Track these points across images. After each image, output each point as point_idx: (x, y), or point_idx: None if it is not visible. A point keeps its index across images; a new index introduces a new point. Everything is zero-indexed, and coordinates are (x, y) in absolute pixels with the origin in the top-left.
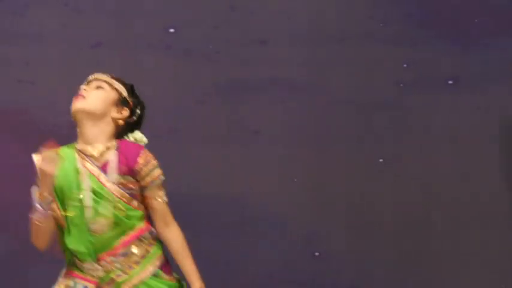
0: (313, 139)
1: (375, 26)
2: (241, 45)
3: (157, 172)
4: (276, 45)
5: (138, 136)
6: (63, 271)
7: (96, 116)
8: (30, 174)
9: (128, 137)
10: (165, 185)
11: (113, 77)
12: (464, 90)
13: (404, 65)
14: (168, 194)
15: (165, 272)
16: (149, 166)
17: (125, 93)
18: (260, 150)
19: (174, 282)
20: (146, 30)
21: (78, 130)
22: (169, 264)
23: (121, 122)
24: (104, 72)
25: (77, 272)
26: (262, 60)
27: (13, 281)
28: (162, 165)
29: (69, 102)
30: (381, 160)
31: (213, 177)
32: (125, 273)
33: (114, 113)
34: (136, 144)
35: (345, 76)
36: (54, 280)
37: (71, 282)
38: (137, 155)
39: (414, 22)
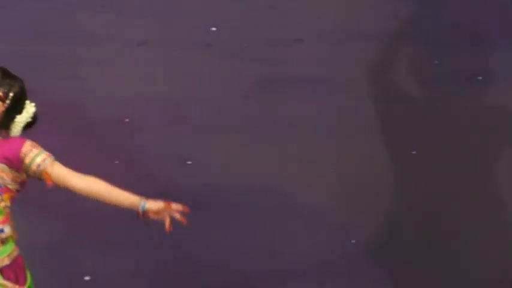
0: (347, 132)
1: (404, 24)
2: (278, 43)
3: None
4: (311, 43)
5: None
6: None
7: None
8: (81, 168)
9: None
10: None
11: None
12: (493, 85)
13: (436, 61)
14: (212, 186)
15: (3, 275)
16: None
17: None
18: (297, 143)
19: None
20: (189, 28)
21: None
22: (10, 271)
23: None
24: None
25: None
26: (298, 58)
27: (67, 269)
28: (204, 159)
29: (117, 99)
30: (414, 152)
31: (256, 169)
32: None
33: None
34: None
35: (376, 72)
36: (106, 266)
37: None
38: (20, 145)
39: (441, 20)
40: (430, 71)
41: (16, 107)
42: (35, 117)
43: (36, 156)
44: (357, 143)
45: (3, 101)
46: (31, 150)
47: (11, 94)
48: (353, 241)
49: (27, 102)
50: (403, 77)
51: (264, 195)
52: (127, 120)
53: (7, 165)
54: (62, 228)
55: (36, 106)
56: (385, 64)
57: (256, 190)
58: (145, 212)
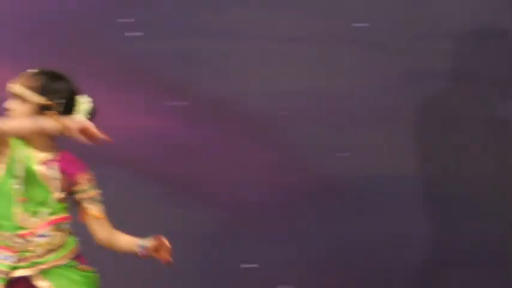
0: (492, 126)
1: None
2: (428, 38)
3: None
4: (460, 39)
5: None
6: None
7: None
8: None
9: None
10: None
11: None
12: None
13: None
14: (370, 177)
15: (80, 262)
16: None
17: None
18: (452, 136)
19: (88, 271)
20: (337, 24)
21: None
22: (83, 257)
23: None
24: None
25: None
26: (447, 53)
27: (229, 257)
28: (361, 151)
29: (263, 94)
30: None
31: (411, 160)
32: (39, 256)
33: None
34: None
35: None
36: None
37: None
38: (80, 171)
39: None
40: None
41: (67, 111)
42: (92, 114)
43: (89, 190)
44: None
45: (55, 109)
46: (86, 182)
47: (61, 100)
48: None
49: (80, 100)
50: None
51: (420, 185)
52: (283, 113)
53: (62, 179)
54: (223, 217)
55: (93, 102)
56: None
57: (414, 180)
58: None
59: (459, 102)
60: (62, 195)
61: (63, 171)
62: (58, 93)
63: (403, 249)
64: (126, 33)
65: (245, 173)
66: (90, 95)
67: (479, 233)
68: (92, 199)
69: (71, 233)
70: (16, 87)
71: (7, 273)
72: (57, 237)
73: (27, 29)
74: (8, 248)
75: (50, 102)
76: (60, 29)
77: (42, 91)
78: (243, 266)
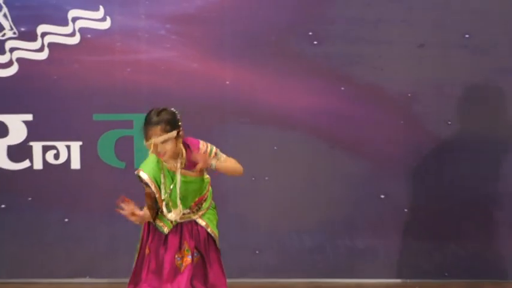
0: None
1: None
2: None
3: (213, 149)
4: None
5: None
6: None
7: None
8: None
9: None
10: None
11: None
12: None
13: None
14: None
15: (211, 205)
16: (208, 149)
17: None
18: None
19: (214, 209)
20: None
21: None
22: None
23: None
24: None
25: (158, 221)
26: None
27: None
28: None
29: (395, 82)
30: None
31: None
32: (199, 211)
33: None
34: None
35: None
36: None
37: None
38: (198, 145)
39: None
40: None
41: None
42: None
43: (211, 150)
44: None
45: (181, 130)
46: (206, 146)
47: (179, 123)
48: None
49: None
50: None
51: None
52: (409, 95)
53: (194, 166)
54: (369, 163)
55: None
56: None
57: None
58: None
59: None
60: (198, 173)
61: (189, 163)
62: (175, 120)
63: None
64: (314, 42)
65: (386, 135)
66: (287, 84)
67: None
68: (216, 157)
69: (210, 193)
70: (158, 140)
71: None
72: (207, 202)
73: (246, 37)
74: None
75: (179, 129)
76: (268, 39)
77: (171, 127)
78: (381, 196)
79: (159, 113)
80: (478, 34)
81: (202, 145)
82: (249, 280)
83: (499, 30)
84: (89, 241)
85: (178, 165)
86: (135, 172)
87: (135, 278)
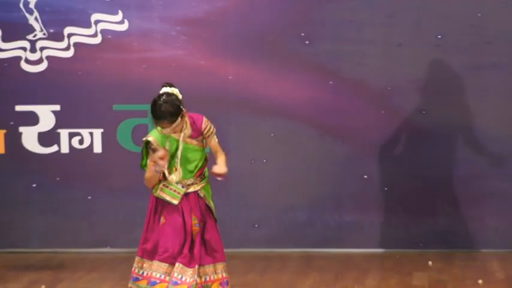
0: None
1: None
2: None
3: (212, 127)
4: None
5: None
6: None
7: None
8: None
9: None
10: (215, 133)
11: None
12: None
13: None
14: None
15: (207, 181)
16: (208, 126)
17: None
18: None
19: (208, 184)
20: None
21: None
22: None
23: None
24: None
25: (167, 196)
26: None
27: None
28: None
29: (381, 76)
30: None
31: None
32: (199, 183)
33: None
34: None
35: None
36: None
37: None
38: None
39: None
40: None
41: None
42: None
43: (210, 127)
44: None
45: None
46: (207, 124)
47: (182, 103)
48: None
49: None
50: None
51: None
52: (389, 88)
53: (197, 137)
54: (351, 143)
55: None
56: None
57: None
58: None
59: None
60: (200, 143)
61: (194, 132)
62: (178, 108)
63: None
64: (306, 42)
65: (368, 123)
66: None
67: None
68: (212, 136)
69: (207, 169)
70: (169, 129)
71: (180, 192)
72: (204, 175)
73: (246, 37)
74: (182, 183)
75: (183, 110)
76: (265, 40)
77: (176, 116)
78: (364, 176)
79: (163, 108)
80: (448, 35)
81: (204, 123)
82: (249, 250)
83: (466, 32)
84: (109, 215)
85: (182, 135)
86: (143, 138)
87: (146, 247)
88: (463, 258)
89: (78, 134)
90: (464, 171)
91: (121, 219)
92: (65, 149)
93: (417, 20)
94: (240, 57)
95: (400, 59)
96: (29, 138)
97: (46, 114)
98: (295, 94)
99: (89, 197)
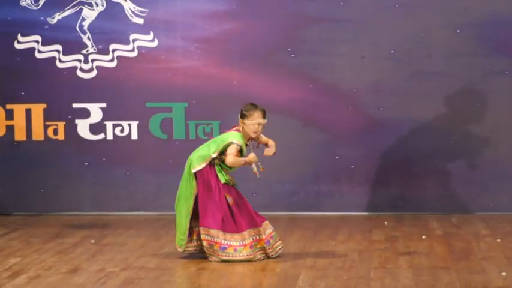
0: None
1: None
2: None
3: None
4: None
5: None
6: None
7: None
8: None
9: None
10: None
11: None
12: None
13: None
14: None
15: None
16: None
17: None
18: None
19: None
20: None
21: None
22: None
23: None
24: None
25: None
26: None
27: None
28: None
29: (351, 75)
30: None
31: None
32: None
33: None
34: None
35: None
36: None
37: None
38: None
39: None
40: None
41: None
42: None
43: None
44: None
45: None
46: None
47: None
48: None
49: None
50: None
51: None
52: (355, 90)
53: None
54: (326, 133)
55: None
56: None
57: None
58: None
59: None
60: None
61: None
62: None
63: None
64: (292, 55)
65: (340, 116)
66: (275, 83)
67: None
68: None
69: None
70: (261, 126)
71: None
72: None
73: (247, 51)
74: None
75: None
76: (262, 53)
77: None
78: (336, 157)
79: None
80: (399, 50)
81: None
82: None
83: (413, 48)
84: (143, 187)
85: (248, 141)
86: (232, 141)
87: (219, 220)
88: (410, 219)
89: (120, 125)
90: (412, 153)
91: (152, 189)
92: (109, 136)
93: (376, 39)
94: (242, 67)
95: (363, 68)
96: (83, 128)
97: (95, 110)
98: (284, 95)
99: (128, 173)
